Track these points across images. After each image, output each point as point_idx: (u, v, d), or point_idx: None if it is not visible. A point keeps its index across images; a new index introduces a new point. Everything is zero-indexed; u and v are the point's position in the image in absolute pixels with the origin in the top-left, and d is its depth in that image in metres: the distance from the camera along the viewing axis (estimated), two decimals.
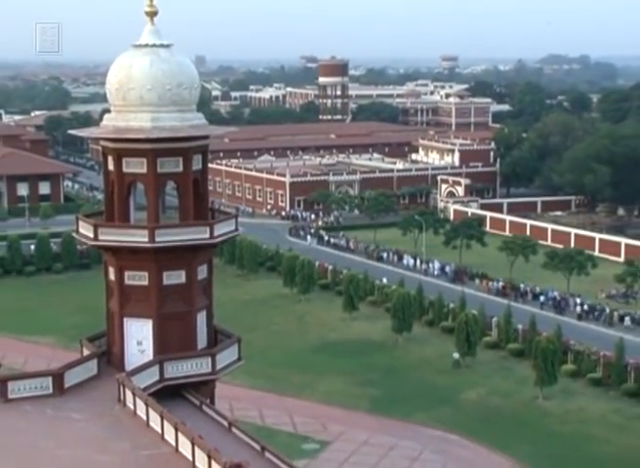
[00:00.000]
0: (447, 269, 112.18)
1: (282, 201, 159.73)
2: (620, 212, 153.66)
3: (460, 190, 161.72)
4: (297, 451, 56.89)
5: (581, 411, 69.67)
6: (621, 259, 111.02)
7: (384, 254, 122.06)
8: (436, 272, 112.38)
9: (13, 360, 69.38)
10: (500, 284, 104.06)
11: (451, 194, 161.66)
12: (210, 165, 46.27)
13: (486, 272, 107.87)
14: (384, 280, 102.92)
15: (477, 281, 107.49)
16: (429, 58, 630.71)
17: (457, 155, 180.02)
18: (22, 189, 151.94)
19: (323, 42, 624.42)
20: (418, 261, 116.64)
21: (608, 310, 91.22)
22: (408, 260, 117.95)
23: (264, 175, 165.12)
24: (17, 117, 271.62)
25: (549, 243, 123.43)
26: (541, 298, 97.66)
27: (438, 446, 62.97)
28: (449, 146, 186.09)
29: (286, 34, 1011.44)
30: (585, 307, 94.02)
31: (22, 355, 76.93)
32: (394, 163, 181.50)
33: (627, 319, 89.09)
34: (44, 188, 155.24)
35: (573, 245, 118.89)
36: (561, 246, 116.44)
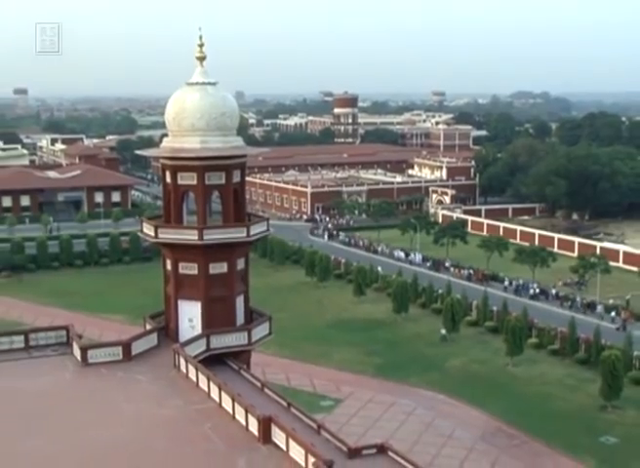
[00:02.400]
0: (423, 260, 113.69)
1: (304, 207, 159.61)
2: (574, 216, 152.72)
3: (447, 199, 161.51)
4: (316, 407, 56.90)
5: (543, 376, 69.43)
6: (575, 255, 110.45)
7: (379, 248, 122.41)
8: (427, 263, 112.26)
9: (91, 333, 69.49)
10: (469, 271, 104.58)
11: (440, 202, 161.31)
12: (247, 178, 46.20)
13: (461, 263, 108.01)
14: (379, 268, 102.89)
15: (452, 269, 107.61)
16: (423, 93, 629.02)
17: (444, 171, 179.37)
18: (99, 197, 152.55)
19: (337, 80, 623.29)
20: (404, 254, 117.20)
21: (579, 299, 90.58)
22: (398, 253, 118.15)
23: (290, 187, 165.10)
24: (94, 140, 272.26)
25: (518, 241, 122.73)
26: (523, 288, 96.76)
27: (428, 403, 62.86)
28: (438, 164, 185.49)
29: (308, 74, 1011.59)
30: (560, 294, 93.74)
31: (98, 329, 77.19)
32: (394, 177, 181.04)
33: (600, 307, 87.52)
34: (115, 197, 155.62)
35: (537, 243, 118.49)
36: (527, 243, 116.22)
